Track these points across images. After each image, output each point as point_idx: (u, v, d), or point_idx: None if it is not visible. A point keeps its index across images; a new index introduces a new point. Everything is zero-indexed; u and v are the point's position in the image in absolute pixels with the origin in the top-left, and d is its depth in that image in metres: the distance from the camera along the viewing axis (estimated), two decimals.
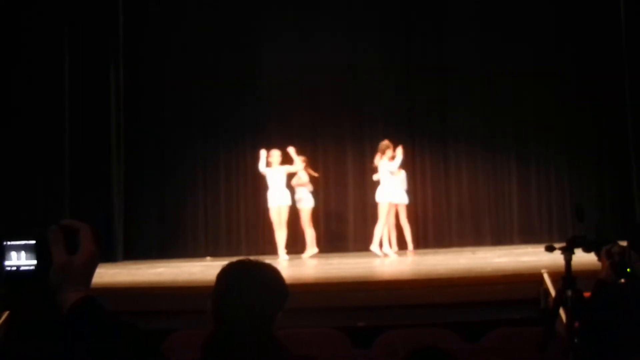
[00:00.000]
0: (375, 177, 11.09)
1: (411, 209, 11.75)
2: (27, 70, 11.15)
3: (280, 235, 11.01)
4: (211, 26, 12.67)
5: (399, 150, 10.77)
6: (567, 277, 4.34)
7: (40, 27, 11.18)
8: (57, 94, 11.34)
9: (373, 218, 11.54)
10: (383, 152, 10.84)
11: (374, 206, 11.38)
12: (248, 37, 12.74)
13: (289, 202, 11.08)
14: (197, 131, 12.79)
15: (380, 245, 10.94)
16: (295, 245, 11.47)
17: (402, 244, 11.39)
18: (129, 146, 12.34)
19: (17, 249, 1.71)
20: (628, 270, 3.89)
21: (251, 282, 2.29)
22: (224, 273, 2.34)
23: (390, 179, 10.90)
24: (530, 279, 7.38)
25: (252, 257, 2.44)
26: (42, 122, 11.21)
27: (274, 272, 2.36)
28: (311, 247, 11.31)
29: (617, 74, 11.87)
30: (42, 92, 11.20)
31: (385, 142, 10.91)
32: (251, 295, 2.26)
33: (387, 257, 10.80)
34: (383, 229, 10.94)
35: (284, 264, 10.44)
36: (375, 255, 10.85)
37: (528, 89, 12.52)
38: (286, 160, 11.16)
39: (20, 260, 1.71)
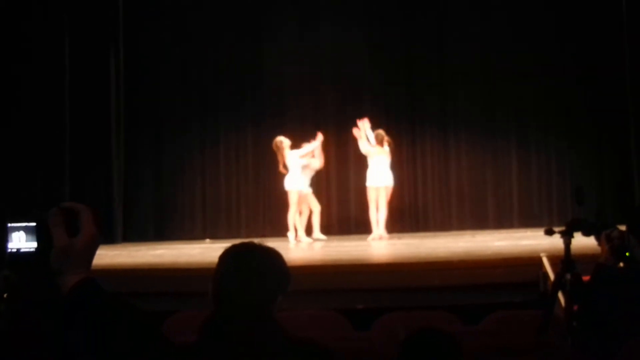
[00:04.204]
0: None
1: (412, 193, 11.76)
2: (28, 54, 11.12)
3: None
4: (213, 9, 12.61)
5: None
6: (566, 260, 4.36)
7: (41, 12, 11.16)
8: (57, 76, 11.33)
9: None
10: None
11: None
12: (250, 21, 12.69)
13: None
14: (196, 113, 12.77)
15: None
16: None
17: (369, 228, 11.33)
18: (129, 128, 12.33)
19: (19, 230, 1.71)
20: (627, 254, 3.90)
21: (253, 265, 2.30)
22: (226, 255, 2.34)
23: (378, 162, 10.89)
24: (529, 263, 7.39)
25: (255, 240, 2.45)
26: (43, 104, 11.21)
27: (276, 256, 2.37)
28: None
29: (617, 59, 11.83)
30: (42, 75, 11.19)
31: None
32: (253, 278, 2.26)
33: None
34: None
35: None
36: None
37: (528, 73, 12.46)
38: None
39: (21, 242, 1.71)
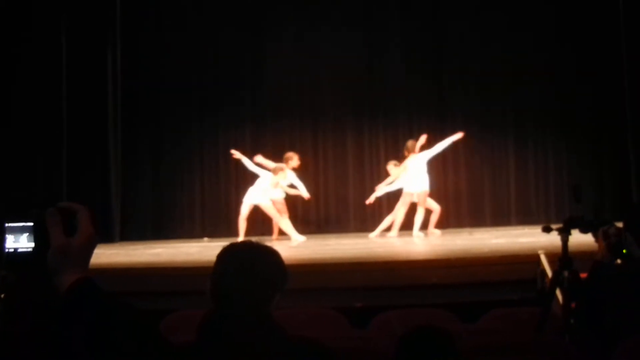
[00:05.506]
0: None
1: None
2: (25, 53, 11.10)
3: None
4: (212, 9, 12.60)
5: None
6: (563, 258, 4.36)
7: (39, 11, 11.15)
8: (55, 76, 11.32)
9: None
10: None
11: (373, 188, 11.43)
12: (250, 21, 12.68)
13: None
14: (195, 112, 12.77)
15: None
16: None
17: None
18: (127, 127, 12.32)
19: (16, 230, 1.71)
20: (624, 251, 3.90)
21: (251, 263, 2.30)
22: (224, 253, 2.35)
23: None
24: (527, 260, 7.41)
25: (253, 239, 2.45)
26: (41, 104, 11.19)
27: (274, 254, 2.37)
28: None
29: (615, 58, 11.83)
30: (40, 75, 11.17)
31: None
32: (251, 277, 2.27)
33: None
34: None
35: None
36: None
37: (527, 71, 12.47)
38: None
39: (19, 242, 1.71)
